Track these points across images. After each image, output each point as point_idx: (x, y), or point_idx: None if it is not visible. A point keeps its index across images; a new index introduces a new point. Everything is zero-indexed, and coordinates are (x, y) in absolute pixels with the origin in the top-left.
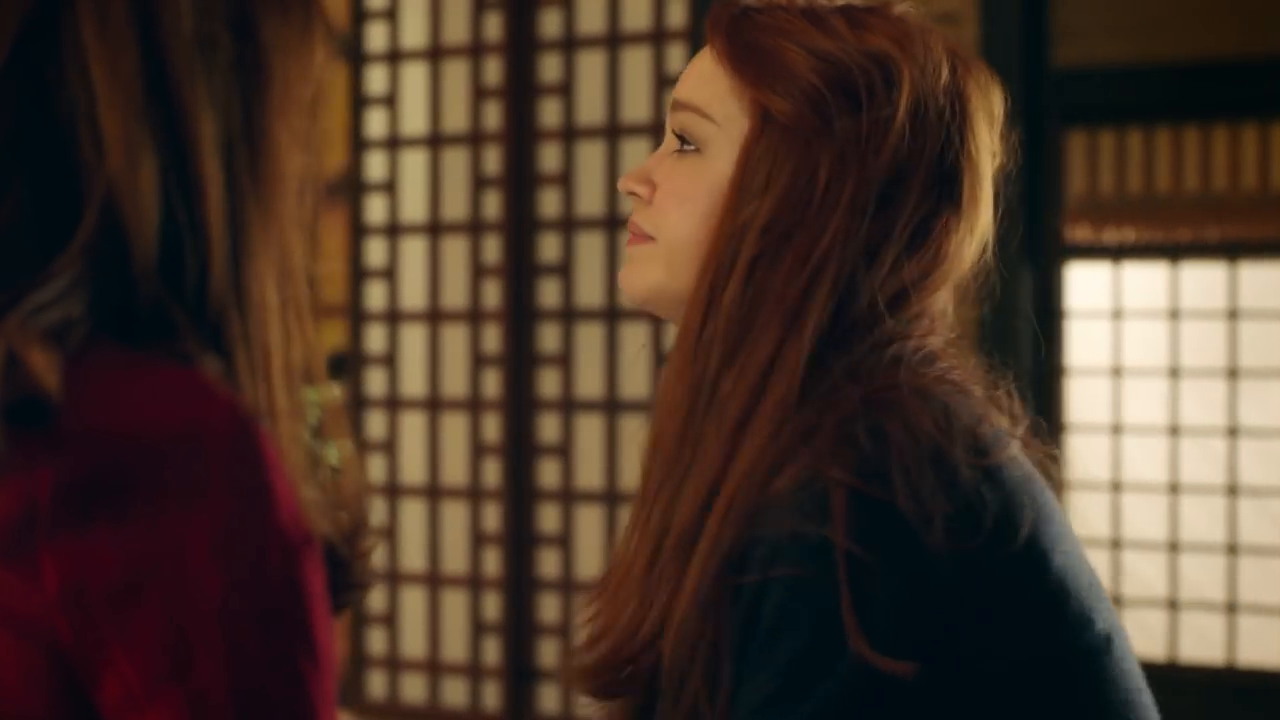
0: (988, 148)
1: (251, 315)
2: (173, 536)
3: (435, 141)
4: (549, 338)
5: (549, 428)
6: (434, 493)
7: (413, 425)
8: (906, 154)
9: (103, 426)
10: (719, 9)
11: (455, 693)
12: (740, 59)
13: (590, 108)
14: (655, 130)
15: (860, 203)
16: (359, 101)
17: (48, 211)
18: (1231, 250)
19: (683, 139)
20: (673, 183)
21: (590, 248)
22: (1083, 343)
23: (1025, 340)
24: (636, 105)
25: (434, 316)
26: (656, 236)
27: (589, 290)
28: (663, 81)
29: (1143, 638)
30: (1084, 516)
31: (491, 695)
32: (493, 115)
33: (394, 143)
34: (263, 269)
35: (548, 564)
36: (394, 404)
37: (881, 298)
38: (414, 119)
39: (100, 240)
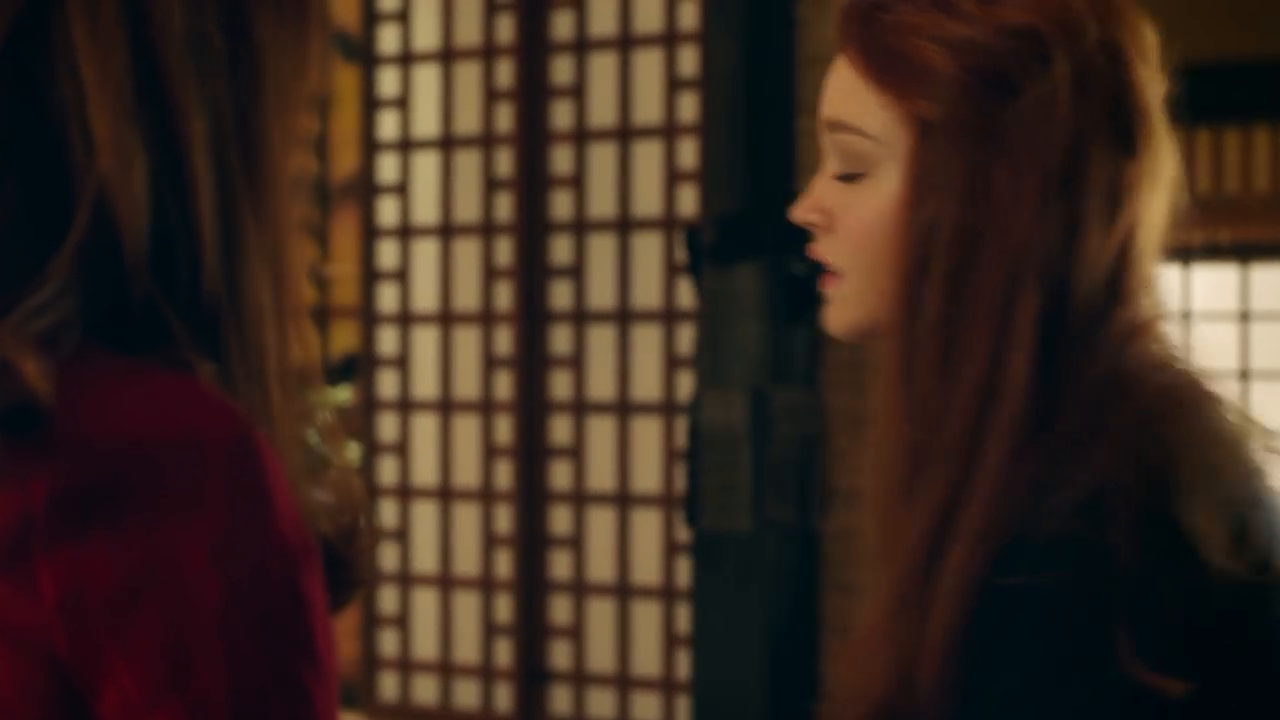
0: (1153, 88)
1: (246, 316)
2: (170, 545)
3: (447, 143)
4: (561, 339)
5: (561, 429)
6: (446, 494)
7: (425, 427)
8: (1076, 125)
9: (97, 434)
10: (844, 16)
11: (467, 694)
12: (881, 69)
13: (602, 109)
14: (668, 132)
15: (1046, 189)
16: (371, 103)
17: (39, 213)
18: (1243, 252)
19: (845, 161)
20: (851, 213)
21: (602, 249)
22: None
23: None
24: (649, 107)
25: (446, 318)
26: (847, 273)
27: (601, 292)
28: (675, 83)
29: None
30: None
31: (503, 697)
32: (504, 117)
33: (406, 145)
34: (256, 269)
35: (560, 566)
36: (406, 406)
37: (1096, 283)
38: (426, 121)
39: (92, 242)
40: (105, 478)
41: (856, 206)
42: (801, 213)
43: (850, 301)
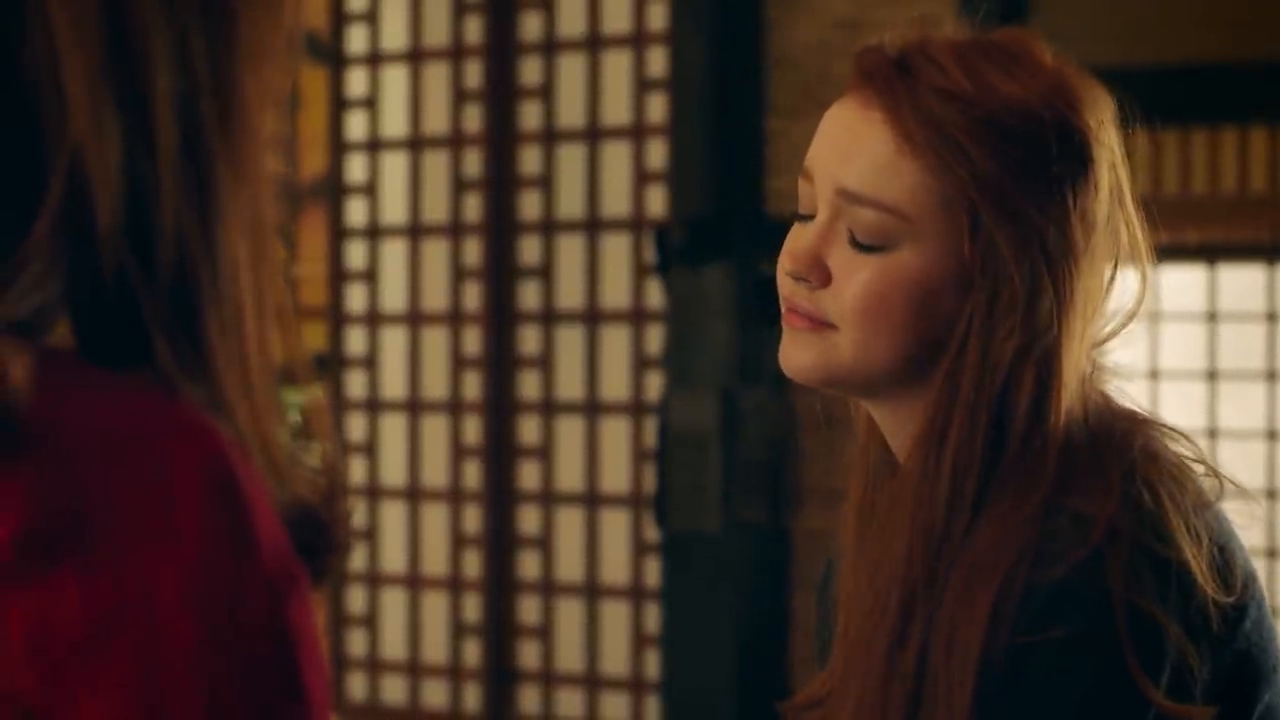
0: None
1: (222, 271)
2: (141, 582)
3: (416, 144)
4: (529, 340)
5: (529, 430)
6: (414, 495)
7: (393, 427)
8: (1107, 237)
9: (68, 456)
10: (874, 63)
11: (435, 694)
12: (921, 142)
13: (571, 110)
14: (636, 133)
15: (1096, 300)
16: (339, 104)
17: (10, 183)
18: (1210, 253)
19: (864, 233)
20: (860, 278)
21: (570, 250)
22: None
23: None
24: (617, 108)
25: (414, 319)
26: (841, 326)
27: (569, 292)
28: (643, 84)
29: None
30: None
31: (471, 696)
32: (473, 118)
33: (374, 145)
34: (233, 226)
35: (528, 566)
36: (374, 406)
37: (1093, 346)
38: (394, 122)
39: (67, 213)
40: (75, 509)
41: (867, 272)
42: (796, 266)
43: (841, 350)
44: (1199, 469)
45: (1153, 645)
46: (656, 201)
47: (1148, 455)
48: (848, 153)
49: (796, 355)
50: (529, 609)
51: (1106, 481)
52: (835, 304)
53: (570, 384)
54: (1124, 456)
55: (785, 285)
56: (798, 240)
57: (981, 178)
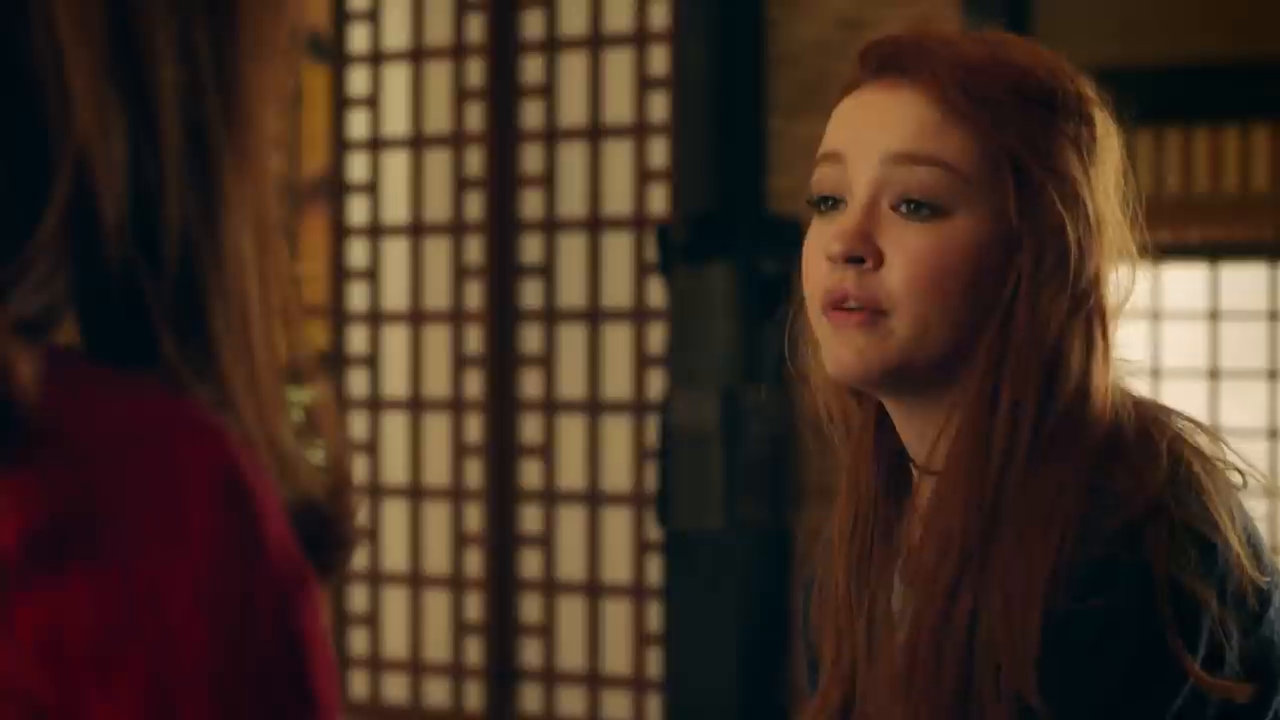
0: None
1: (228, 266)
2: (152, 585)
3: (417, 143)
4: (531, 338)
5: (531, 428)
6: (416, 493)
7: (395, 426)
8: (1112, 199)
9: (75, 458)
10: (892, 51)
11: (437, 693)
12: (966, 104)
13: (572, 109)
14: (638, 131)
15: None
16: (341, 103)
17: (15, 181)
18: (1212, 252)
19: (922, 195)
20: (918, 250)
21: (572, 249)
22: None
23: None
24: (619, 106)
25: (416, 317)
26: (894, 308)
27: (571, 291)
28: (645, 82)
29: None
30: None
31: (473, 695)
32: (475, 116)
33: (376, 144)
34: (238, 220)
35: (530, 564)
36: (376, 405)
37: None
38: (396, 120)
39: (72, 211)
40: (83, 509)
41: (921, 244)
42: (848, 246)
43: (897, 336)
44: (1218, 462)
45: (1192, 621)
46: (658, 200)
47: (1182, 439)
48: (888, 122)
49: (846, 354)
50: (531, 607)
51: (1153, 459)
52: (891, 282)
53: (572, 382)
54: (1165, 436)
55: (827, 275)
56: (837, 223)
57: (1026, 135)
